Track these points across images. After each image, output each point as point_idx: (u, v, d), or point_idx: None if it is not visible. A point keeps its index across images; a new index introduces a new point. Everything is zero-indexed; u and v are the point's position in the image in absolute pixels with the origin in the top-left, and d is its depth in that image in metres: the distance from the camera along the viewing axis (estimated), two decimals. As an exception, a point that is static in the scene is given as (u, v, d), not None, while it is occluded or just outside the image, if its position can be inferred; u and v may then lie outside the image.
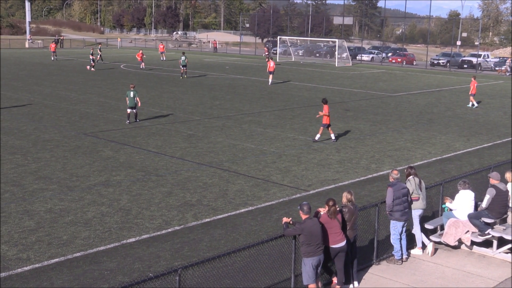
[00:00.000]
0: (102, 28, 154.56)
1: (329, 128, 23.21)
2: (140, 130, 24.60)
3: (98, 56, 58.61)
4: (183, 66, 46.65)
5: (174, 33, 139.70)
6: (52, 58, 61.92)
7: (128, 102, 25.87)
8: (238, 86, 42.59)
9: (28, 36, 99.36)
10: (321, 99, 24.60)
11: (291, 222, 9.96)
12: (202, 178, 17.58)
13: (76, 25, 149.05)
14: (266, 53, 62.26)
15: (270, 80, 43.70)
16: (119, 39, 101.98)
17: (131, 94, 25.61)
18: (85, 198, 15.36)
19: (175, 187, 16.57)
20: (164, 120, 27.32)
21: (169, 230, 13.26)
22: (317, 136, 23.13)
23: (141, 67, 53.54)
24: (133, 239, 12.61)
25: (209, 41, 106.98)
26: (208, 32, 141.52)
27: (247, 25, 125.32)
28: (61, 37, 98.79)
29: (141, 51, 55.75)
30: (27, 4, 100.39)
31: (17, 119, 26.56)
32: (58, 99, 33.41)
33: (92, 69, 51.83)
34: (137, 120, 26.37)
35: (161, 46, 68.72)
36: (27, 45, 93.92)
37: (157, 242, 12.52)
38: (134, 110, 26.06)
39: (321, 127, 23.11)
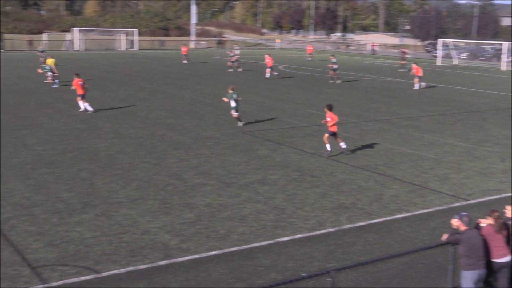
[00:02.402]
0: (262, 30, 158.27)
1: (336, 137, 20.71)
2: (296, 131, 24.91)
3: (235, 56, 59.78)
4: (333, 70, 44.60)
5: (332, 34, 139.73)
6: (185, 62, 61.82)
7: (231, 105, 25.55)
8: (396, 89, 41.72)
9: (193, 37, 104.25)
10: (484, 104, 23.30)
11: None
12: (357, 181, 17.43)
13: (237, 27, 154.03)
14: (404, 56, 59.75)
15: (417, 85, 41.75)
16: (278, 40, 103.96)
17: (233, 96, 25.29)
18: (242, 195, 15.83)
19: (330, 189, 16.58)
20: (320, 121, 27.39)
21: (323, 231, 13.29)
22: (328, 146, 20.59)
23: (267, 74, 48.65)
24: (287, 238, 12.79)
25: (367, 43, 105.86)
26: (367, 34, 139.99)
27: (407, 27, 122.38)
28: (223, 38, 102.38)
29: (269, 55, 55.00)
30: (193, 7, 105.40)
31: (180, 117, 27.98)
32: (218, 98, 34.70)
33: (239, 69, 53.09)
34: (241, 123, 25.86)
35: (310, 48, 70.65)
36: (192, 46, 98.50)
37: (311, 242, 12.60)
38: (237, 113, 25.61)
39: (326, 134, 20.59)
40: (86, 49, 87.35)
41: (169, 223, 13.51)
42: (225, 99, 25.67)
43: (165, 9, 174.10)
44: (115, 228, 13.09)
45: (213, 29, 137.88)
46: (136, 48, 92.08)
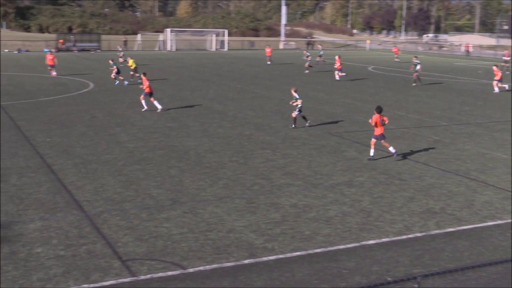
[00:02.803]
0: (352, 30, 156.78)
1: (384, 141, 19.92)
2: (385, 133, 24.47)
3: (319, 57, 59.16)
4: (416, 72, 43.08)
5: (425, 35, 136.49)
6: (269, 63, 61.69)
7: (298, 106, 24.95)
8: (490, 92, 40.24)
9: (282, 37, 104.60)
10: None
11: None
12: (446, 186, 16.94)
13: (327, 27, 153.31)
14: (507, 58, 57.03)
15: (497, 88, 39.94)
16: (368, 41, 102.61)
17: (298, 98, 24.71)
18: (328, 196, 15.73)
19: (418, 193, 16.20)
20: (409, 124, 26.88)
21: (410, 236, 13.00)
22: (371, 151, 19.94)
23: (337, 76, 47.87)
24: (372, 241, 12.60)
25: (461, 44, 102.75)
26: (461, 34, 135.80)
27: (506, 27, 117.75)
28: (312, 39, 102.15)
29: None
30: (283, 8, 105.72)
31: (268, 117, 28.14)
32: (306, 98, 34.65)
33: (307, 71, 52.63)
34: (303, 121, 25.51)
35: (396, 49, 69.52)
36: (281, 46, 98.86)
37: (397, 246, 12.35)
38: (301, 113, 25.13)
39: (373, 139, 19.89)
40: (177, 49, 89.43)
41: (254, 222, 13.61)
42: (295, 102, 24.81)
43: (256, 10, 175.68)
44: (201, 226, 13.32)
45: (303, 29, 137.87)
46: (226, 48, 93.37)
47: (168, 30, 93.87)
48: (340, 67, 45.95)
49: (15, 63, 58.41)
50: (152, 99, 29.23)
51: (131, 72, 42.40)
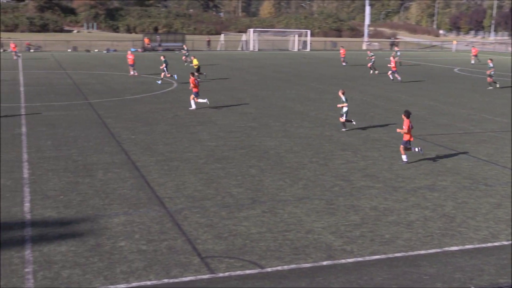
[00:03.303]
0: (438, 31, 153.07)
1: (404, 147, 19.19)
2: (469, 137, 23.77)
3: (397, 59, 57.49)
4: (490, 76, 41.07)
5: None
6: (344, 64, 60.60)
7: (343, 109, 24.42)
8: None
9: (365, 38, 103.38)
10: None
11: None
12: (536, 193, 16.24)
13: (411, 28, 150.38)
14: None
15: None
16: (454, 42, 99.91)
17: (345, 101, 24.17)
18: (409, 200, 15.40)
19: (505, 199, 15.61)
20: (497, 127, 25.95)
21: (496, 243, 12.54)
22: (404, 157, 19.26)
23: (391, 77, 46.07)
24: (455, 248, 12.24)
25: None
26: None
27: None
28: (396, 39, 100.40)
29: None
30: (367, 8, 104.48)
31: (349, 118, 27.84)
32: (387, 100, 34.15)
33: (375, 71, 51.32)
34: (350, 124, 25.10)
35: (474, 50, 66.56)
36: (364, 47, 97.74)
37: (481, 254, 11.94)
38: (345, 117, 24.51)
39: (401, 146, 19.24)
40: (259, 50, 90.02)
41: (333, 224, 13.50)
42: (340, 105, 24.37)
43: (339, 10, 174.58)
44: (280, 226, 13.34)
45: (387, 30, 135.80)
46: (308, 48, 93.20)
47: (251, 30, 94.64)
48: (395, 68, 44.92)
49: (103, 62, 60.48)
50: (193, 96, 29.67)
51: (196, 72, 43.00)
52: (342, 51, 62.23)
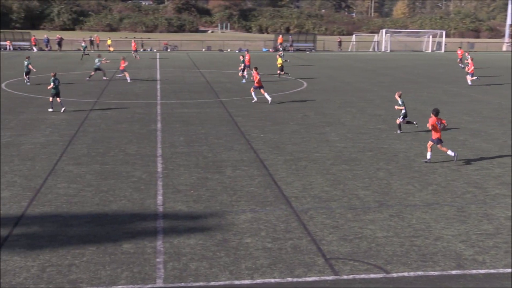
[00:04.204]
0: None
1: (440, 145, 18.72)
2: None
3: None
4: None
5: None
6: (461, 65, 56.60)
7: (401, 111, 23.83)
8: None
9: (506, 39, 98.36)
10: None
11: None
12: None
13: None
14: None
15: None
16: None
17: (401, 103, 23.51)
18: (549, 211, 14.46)
19: None
20: None
21: None
22: (428, 154, 19.20)
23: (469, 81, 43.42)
24: None
25: None
26: None
27: None
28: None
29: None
30: (510, 7, 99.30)
31: (486, 122, 26.62)
32: (530, 104, 32.30)
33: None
34: (413, 125, 24.70)
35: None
36: (504, 48, 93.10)
37: None
38: (406, 118, 23.92)
39: (430, 142, 18.80)
40: (391, 51, 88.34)
41: (464, 232, 12.95)
42: (398, 107, 23.61)
43: (477, 10, 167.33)
44: (407, 231, 12.99)
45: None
46: (442, 50, 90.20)
47: (383, 31, 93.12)
48: (472, 71, 41.77)
49: (235, 61, 61.91)
50: (262, 91, 31.28)
51: (278, 71, 44.62)
52: (459, 51, 58.78)
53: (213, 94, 35.33)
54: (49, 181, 16.53)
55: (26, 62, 38.98)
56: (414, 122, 24.47)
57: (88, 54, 64.92)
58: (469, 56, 44.69)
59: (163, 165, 18.38)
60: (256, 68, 32.05)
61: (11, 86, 37.92)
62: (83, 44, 66.73)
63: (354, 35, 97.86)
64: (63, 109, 27.95)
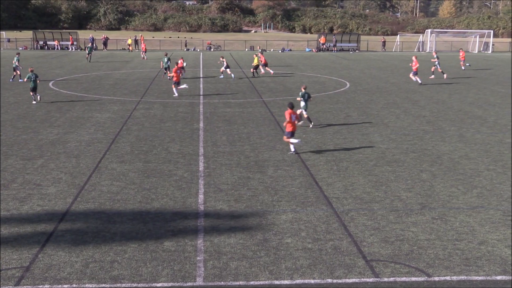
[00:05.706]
0: None
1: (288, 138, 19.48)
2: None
3: None
4: None
5: None
6: (463, 68, 54.74)
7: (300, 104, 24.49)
8: None
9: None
10: None
11: None
12: None
13: None
14: None
15: None
16: None
17: (305, 96, 24.56)
18: None
19: None
20: None
21: None
22: (291, 147, 20.34)
23: None
24: None
25: None
26: None
27: None
28: None
29: None
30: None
31: (533, 124, 26.02)
32: None
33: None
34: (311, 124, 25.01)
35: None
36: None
37: None
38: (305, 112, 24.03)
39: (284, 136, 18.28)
40: (437, 51, 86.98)
41: (510, 237, 12.67)
42: (298, 99, 24.58)
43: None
44: (450, 234, 12.78)
45: None
46: (490, 50, 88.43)
47: (428, 31, 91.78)
48: (416, 69, 40.68)
49: (280, 61, 61.83)
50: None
51: (252, 69, 45.25)
52: (462, 53, 56.07)
53: (255, 93, 35.39)
54: (93, 178, 16.82)
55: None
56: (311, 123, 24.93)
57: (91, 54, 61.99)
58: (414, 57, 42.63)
59: (205, 164, 18.50)
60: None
61: (58, 85, 38.71)
62: (89, 45, 63.66)
63: (398, 35, 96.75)
64: (38, 96, 31.20)
